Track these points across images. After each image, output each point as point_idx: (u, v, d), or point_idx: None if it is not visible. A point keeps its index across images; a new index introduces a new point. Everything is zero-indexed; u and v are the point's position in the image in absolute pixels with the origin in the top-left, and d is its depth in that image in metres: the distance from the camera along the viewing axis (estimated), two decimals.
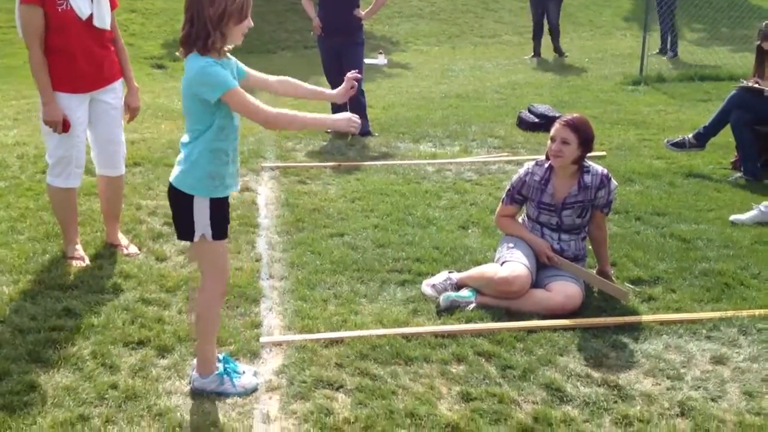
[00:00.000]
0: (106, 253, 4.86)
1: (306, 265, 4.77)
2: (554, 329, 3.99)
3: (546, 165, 4.50)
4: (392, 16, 17.68)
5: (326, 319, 4.07)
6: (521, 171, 4.60)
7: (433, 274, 4.57)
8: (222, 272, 3.37)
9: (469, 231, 5.42)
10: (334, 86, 8.33)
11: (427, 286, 4.44)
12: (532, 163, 4.60)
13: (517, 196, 4.59)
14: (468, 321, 4.08)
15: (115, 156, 4.91)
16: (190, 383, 3.44)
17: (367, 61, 14.30)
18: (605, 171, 4.48)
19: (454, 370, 3.62)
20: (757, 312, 4.19)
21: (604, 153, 7.28)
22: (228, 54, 3.22)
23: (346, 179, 6.66)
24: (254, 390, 3.44)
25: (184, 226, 3.26)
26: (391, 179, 6.68)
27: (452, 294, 4.26)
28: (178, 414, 3.24)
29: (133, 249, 4.95)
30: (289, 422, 3.22)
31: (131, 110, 4.97)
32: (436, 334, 3.92)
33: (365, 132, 8.12)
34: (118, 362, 3.62)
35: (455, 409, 3.33)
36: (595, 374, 3.61)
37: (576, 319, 4.10)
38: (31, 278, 4.48)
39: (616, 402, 3.40)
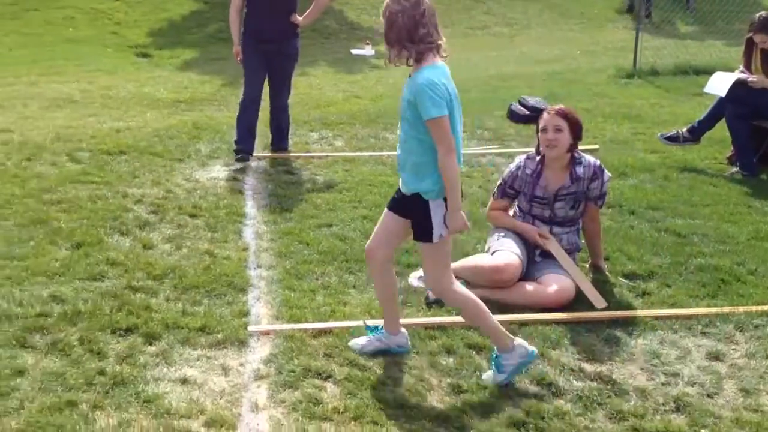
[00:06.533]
0: (93, 240, 4.79)
1: (294, 255, 4.72)
2: (546, 323, 3.96)
3: (537, 158, 4.46)
4: (379, 6, 17.55)
5: (314, 309, 4.03)
6: (512, 165, 4.56)
7: (421, 266, 4.52)
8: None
9: None
10: (252, 96, 6.75)
11: (414, 278, 4.40)
12: (524, 156, 4.56)
13: (509, 190, 4.55)
14: (458, 313, 4.02)
15: None
16: None
17: (354, 51, 14.26)
18: (597, 162, 4.45)
19: (444, 362, 3.59)
20: (754, 308, 4.16)
21: (597, 146, 7.25)
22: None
23: (334, 170, 6.61)
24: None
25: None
26: (380, 170, 6.62)
27: None
28: (166, 401, 3.20)
29: None
30: (278, 411, 3.19)
31: None
32: (426, 326, 3.88)
33: (283, 147, 7.16)
34: (105, 349, 3.57)
35: (445, 401, 3.31)
36: (588, 368, 3.58)
37: (568, 312, 4.07)
38: (18, 264, 4.41)
39: (609, 396, 3.37)
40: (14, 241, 4.72)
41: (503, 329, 3.50)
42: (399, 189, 3.49)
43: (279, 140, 7.17)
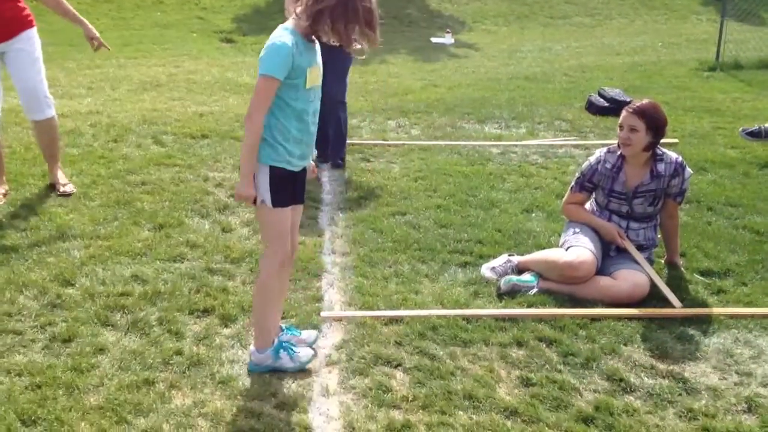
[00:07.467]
0: (174, 222, 4.96)
1: (367, 243, 4.78)
2: (618, 318, 3.92)
3: (618, 152, 4.40)
4: None
5: (386, 296, 4.08)
6: (592, 158, 4.51)
7: (495, 257, 4.53)
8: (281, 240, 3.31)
9: (533, 215, 5.34)
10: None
11: (486, 269, 4.41)
12: (605, 150, 4.50)
13: (587, 183, 4.50)
14: (529, 305, 4.04)
15: (33, 101, 5.20)
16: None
17: (433, 40, 14.25)
18: (680, 159, 4.36)
19: (513, 355, 3.60)
20: None
21: (676, 140, 7.10)
22: None
23: (410, 158, 6.64)
24: (309, 361, 3.45)
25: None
26: (455, 160, 6.63)
27: (513, 277, 4.22)
28: (240, 383, 3.31)
29: (69, 188, 5.37)
30: (348, 397, 3.25)
31: (95, 40, 5.41)
32: (496, 318, 3.89)
33: (337, 165, 6.42)
34: (183, 329, 3.70)
35: (514, 393, 3.31)
36: (660, 366, 3.54)
37: (641, 308, 4.02)
38: (101, 244, 4.60)
39: (680, 395, 3.33)
40: (99, 221, 4.92)
41: (270, 330, 3.40)
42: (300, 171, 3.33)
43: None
